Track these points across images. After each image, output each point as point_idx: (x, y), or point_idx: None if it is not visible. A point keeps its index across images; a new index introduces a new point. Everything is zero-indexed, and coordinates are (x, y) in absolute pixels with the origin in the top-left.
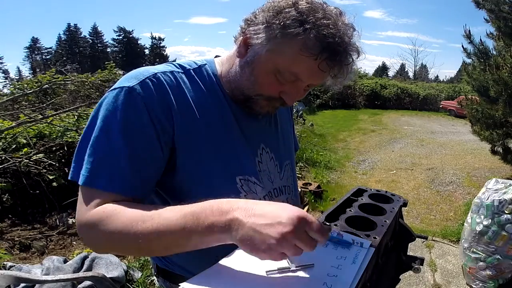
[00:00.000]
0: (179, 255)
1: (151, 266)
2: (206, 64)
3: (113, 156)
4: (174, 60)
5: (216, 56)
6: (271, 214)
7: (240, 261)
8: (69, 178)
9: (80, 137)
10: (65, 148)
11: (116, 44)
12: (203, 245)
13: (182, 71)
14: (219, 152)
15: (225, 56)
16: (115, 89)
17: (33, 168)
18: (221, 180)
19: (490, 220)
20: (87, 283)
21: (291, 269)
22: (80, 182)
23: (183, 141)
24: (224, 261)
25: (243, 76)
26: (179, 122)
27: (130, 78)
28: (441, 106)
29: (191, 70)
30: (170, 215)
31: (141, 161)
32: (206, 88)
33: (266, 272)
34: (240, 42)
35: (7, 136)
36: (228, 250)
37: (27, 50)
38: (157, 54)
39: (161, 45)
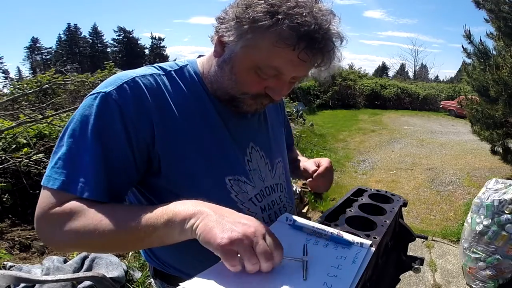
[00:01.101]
0: (174, 257)
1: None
2: (187, 64)
3: (86, 162)
4: (174, 60)
5: (199, 56)
6: (239, 217)
7: None
8: (42, 183)
9: (59, 138)
10: None
11: (116, 44)
12: (166, 238)
13: (163, 73)
14: (206, 154)
15: (206, 56)
16: (92, 94)
17: (33, 168)
18: (209, 181)
19: (490, 220)
20: (87, 283)
21: (305, 259)
22: (54, 187)
23: (166, 145)
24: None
25: (223, 76)
26: (160, 126)
27: (108, 84)
28: (441, 106)
29: (172, 72)
30: (139, 210)
31: (114, 168)
32: (188, 89)
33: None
34: (215, 41)
35: (7, 136)
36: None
37: (27, 50)
38: (157, 54)
39: (161, 45)
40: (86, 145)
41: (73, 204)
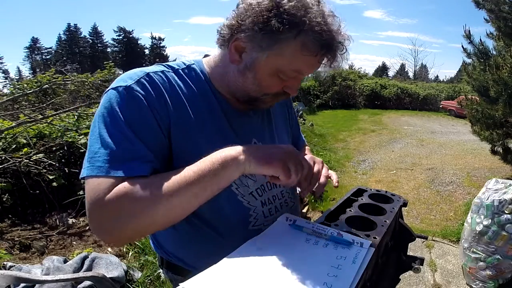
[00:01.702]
0: (177, 247)
1: (156, 258)
2: (194, 63)
3: (127, 147)
4: (174, 60)
5: (205, 56)
6: (268, 146)
7: (239, 261)
8: (81, 176)
9: (88, 140)
10: (65, 148)
11: (116, 44)
12: (225, 180)
13: (172, 70)
14: (210, 148)
15: (212, 57)
16: (113, 89)
17: (33, 168)
18: None
19: (490, 220)
20: (87, 283)
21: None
22: (101, 173)
23: (177, 136)
24: (223, 262)
25: (246, 81)
26: (174, 118)
27: (125, 79)
28: (441, 106)
29: (180, 70)
30: (188, 167)
31: (153, 152)
32: (195, 86)
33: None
34: (231, 48)
35: (7, 136)
36: (220, 249)
37: (27, 50)
38: (157, 54)
39: (161, 45)
40: (126, 133)
41: (125, 184)
